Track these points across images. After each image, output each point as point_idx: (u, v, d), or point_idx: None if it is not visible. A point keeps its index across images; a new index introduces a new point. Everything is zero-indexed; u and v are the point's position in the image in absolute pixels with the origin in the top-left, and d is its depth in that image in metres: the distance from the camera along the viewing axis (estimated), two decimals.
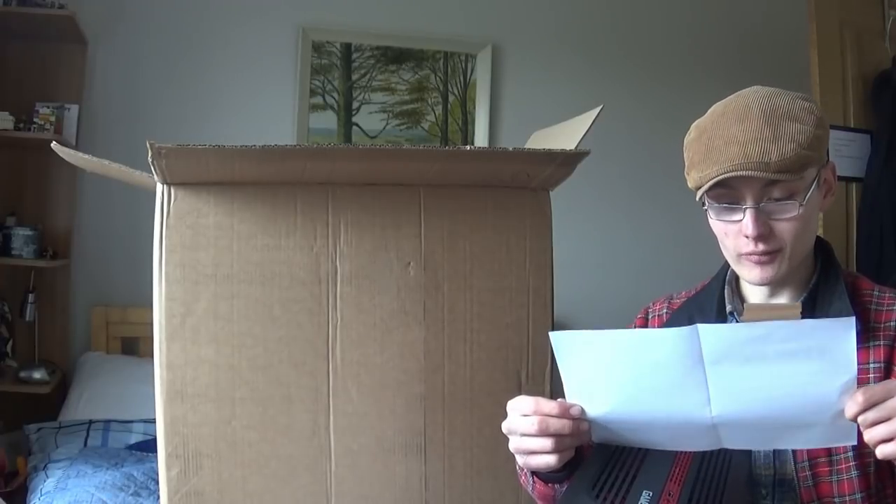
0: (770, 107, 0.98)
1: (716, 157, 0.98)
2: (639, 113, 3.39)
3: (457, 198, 1.28)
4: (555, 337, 0.90)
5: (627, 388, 0.89)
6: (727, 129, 0.99)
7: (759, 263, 1.02)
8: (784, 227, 0.99)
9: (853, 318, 0.82)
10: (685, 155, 1.05)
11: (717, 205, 1.02)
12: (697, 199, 1.03)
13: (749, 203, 0.99)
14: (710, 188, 0.99)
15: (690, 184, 1.03)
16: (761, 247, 1.00)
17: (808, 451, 0.99)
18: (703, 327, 0.83)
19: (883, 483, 0.98)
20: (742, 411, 0.86)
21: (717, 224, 1.04)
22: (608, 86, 3.39)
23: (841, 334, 0.81)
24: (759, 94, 1.01)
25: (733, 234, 1.02)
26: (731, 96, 1.04)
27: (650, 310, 1.22)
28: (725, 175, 0.96)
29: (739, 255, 1.03)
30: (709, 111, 1.06)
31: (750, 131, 0.97)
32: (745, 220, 0.99)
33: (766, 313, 1.04)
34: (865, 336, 1.00)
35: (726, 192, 1.00)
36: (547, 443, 0.91)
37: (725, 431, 0.89)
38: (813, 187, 0.99)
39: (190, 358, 1.16)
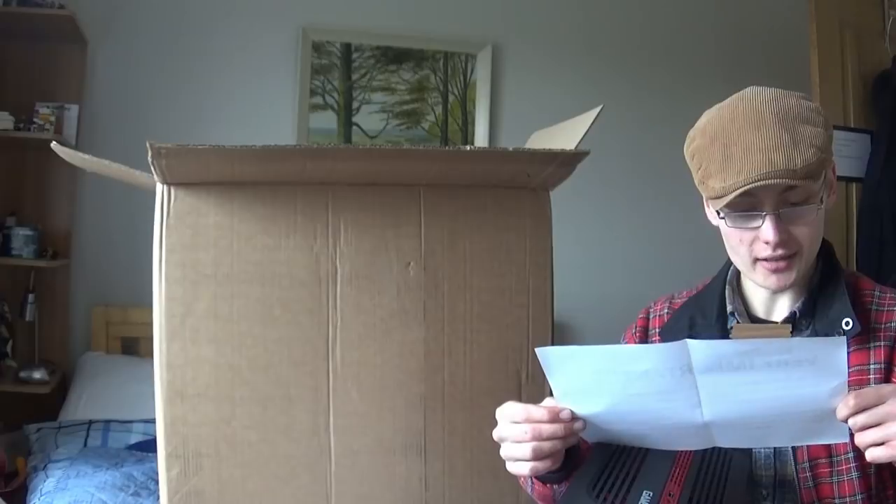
0: (782, 111, 0.97)
1: (737, 167, 0.96)
2: (639, 113, 3.39)
3: (457, 198, 1.28)
4: (542, 352, 0.90)
5: (618, 394, 0.89)
6: (743, 137, 0.96)
7: (776, 271, 1.01)
8: (801, 232, 0.99)
9: (844, 339, 0.82)
10: (694, 164, 1.03)
11: (734, 213, 1.00)
12: (716, 209, 1.01)
13: (767, 209, 0.98)
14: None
15: (708, 194, 1.01)
16: (780, 252, 0.99)
17: (809, 451, 0.99)
18: (692, 342, 0.83)
19: (884, 484, 0.98)
20: (733, 413, 0.87)
21: (731, 231, 1.02)
22: (608, 86, 3.39)
23: (832, 349, 0.81)
24: (765, 98, 0.99)
25: (749, 240, 1.01)
26: (732, 100, 1.02)
27: (651, 309, 1.22)
28: (753, 185, 0.94)
29: (756, 261, 1.02)
30: (709, 117, 1.04)
31: (769, 138, 0.95)
32: (765, 227, 0.98)
33: (755, 333, 1.04)
34: (866, 337, 1.00)
35: (744, 200, 0.98)
36: (539, 449, 0.91)
37: (718, 431, 0.90)
38: (825, 188, 1.00)
39: (190, 358, 1.16)
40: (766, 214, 0.98)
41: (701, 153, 1.01)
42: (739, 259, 1.05)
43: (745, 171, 0.95)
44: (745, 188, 0.95)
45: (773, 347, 0.83)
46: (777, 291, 1.05)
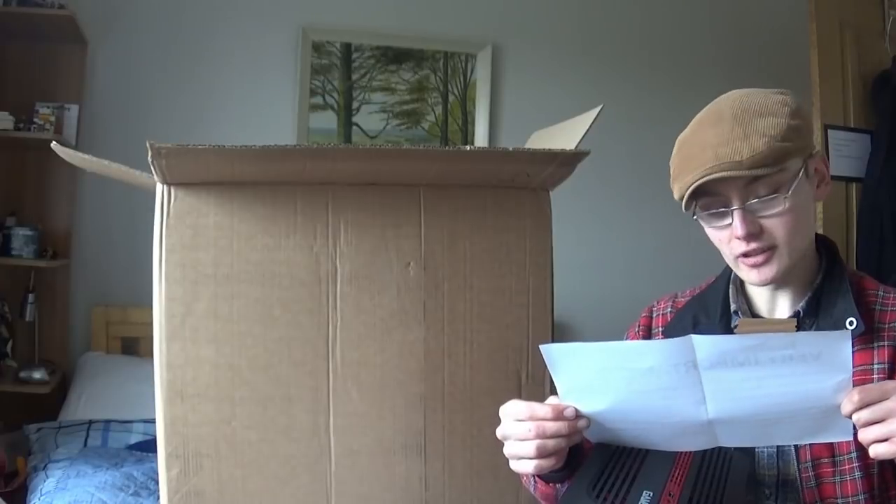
0: (741, 107, 0.99)
1: (691, 166, 0.99)
2: (639, 113, 3.39)
3: (457, 198, 1.28)
4: (546, 349, 0.90)
5: (622, 392, 0.89)
6: (702, 137, 1.00)
7: (756, 266, 1.01)
8: (773, 224, 0.99)
9: (849, 332, 0.82)
10: (670, 169, 1.06)
11: (705, 213, 1.02)
12: (684, 210, 1.03)
13: (735, 204, 0.99)
14: (696, 197, 1.00)
15: (675, 196, 1.04)
16: (753, 245, 1.00)
17: (812, 451, 0.99)
18: (696, 338, 0.83)
19: (886, 484, 0.98)
20: (737, 409, 0.87)
21: (710, 232, 1.05)
22: (608, 86, 3.39)
23: (836, 343, 0.81)
24: (732, 98, 1.02)
25: (726, 238, 1.02)
26: (708, 105, 1.05)
27: (654, 308, 1.22)
28: (701, 180, 0.97)
29: (736, 258, 1.03)
30: (689, 124, 1.06)
31: (721, 134, 0.97)
32: (735, 222, 0.99)
33: (759, 328, 1.04)
34: (870, 337, 1.00)
35: (712, 199, 1.00)
36: (544, 447, 0.91)
37: (721, 429, 0.90)
38: (799, 178, 0.99)
39: (190, 358, 1.16)
40: (733, 210, 0.99)
41: (672, 159, 1.05)
42: (726, 258, 1.07)
43: (696, 168, 0.98)
44: (695, 184, 0.98)
45: (778, 342, 0.83)
46: (762, 286, 1.05)
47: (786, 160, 0.97)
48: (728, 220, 1.00)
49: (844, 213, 2.88)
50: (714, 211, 1.01)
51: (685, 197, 1.00)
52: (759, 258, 1.01)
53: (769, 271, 1.01)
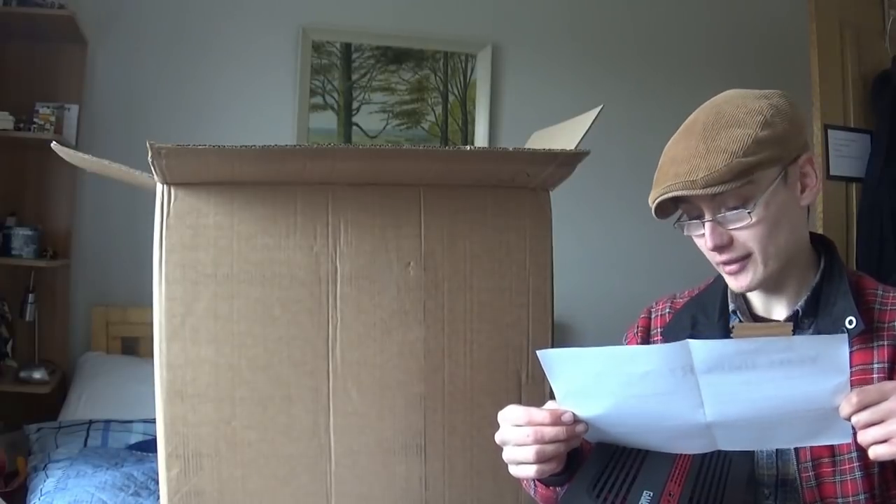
0: (714, 117, 0.99)
1: (659, 180, 1.01)
2: (639, 112, 3.39)
3: (457, 198, 1.28)
4: (543, 355, 0.90)
5: (619, 396, 0.89)
6: (674, 148, 1.02)
7: (733, 273, 1.03)
8: (743, 235, 1.00)
9: (846, 335, 0.82)
10: None
11: (686, 221, 1.04)
12: (659, 219, 1.05)
13: (706, 216, 1.01)
14: (676, 204, 1.02)
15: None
16: (726, 255, 1.02)
17: (812, 451, 0.99)
18: (693, 343, 0.83)
19: (887, 484, 0.98)
20: (735, 413, 0.87)
21: (693, 238, 1.06)
22: (608, 85, 3.39)
23: (833, 346, 0.81)
24: (715, 103, 1.02)
25: (704, 246, 1.04)
26: (698, 108, 1.05)
27: (653, 309, 1.22)
28: (660, 198, 1.00)
29: (717, 266, 1.05)
30: None
31: (687, 149, 0.99)
32: (706, 233, 1.01)
33: (756, 332, 1.04)
34: (869, 336, 1.00)
35: (689, 207, 1.02)
36: (542, 452, 0.91)
37: (720, 432, 0.89)
38: (773, 188, 0.98)
39: (190, 358, 1.16)
40: (704, 221, 1.01)
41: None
42: (711, 262, 1.08)
43: (660, 184, 1.00)
44: (656, 201, 1.00)
45: (775, 346, 0.83)
46: (741, 292, 1.07)
47: (752, 173, 0.96)
48: (702, 230, 1.02)
49: (844, 213, 2.88)
50: (692, 220, 1.03)
51: (652, 210, 1.02)
52: (734, 266, 1.02)
53: (745, 279, 1.03)
